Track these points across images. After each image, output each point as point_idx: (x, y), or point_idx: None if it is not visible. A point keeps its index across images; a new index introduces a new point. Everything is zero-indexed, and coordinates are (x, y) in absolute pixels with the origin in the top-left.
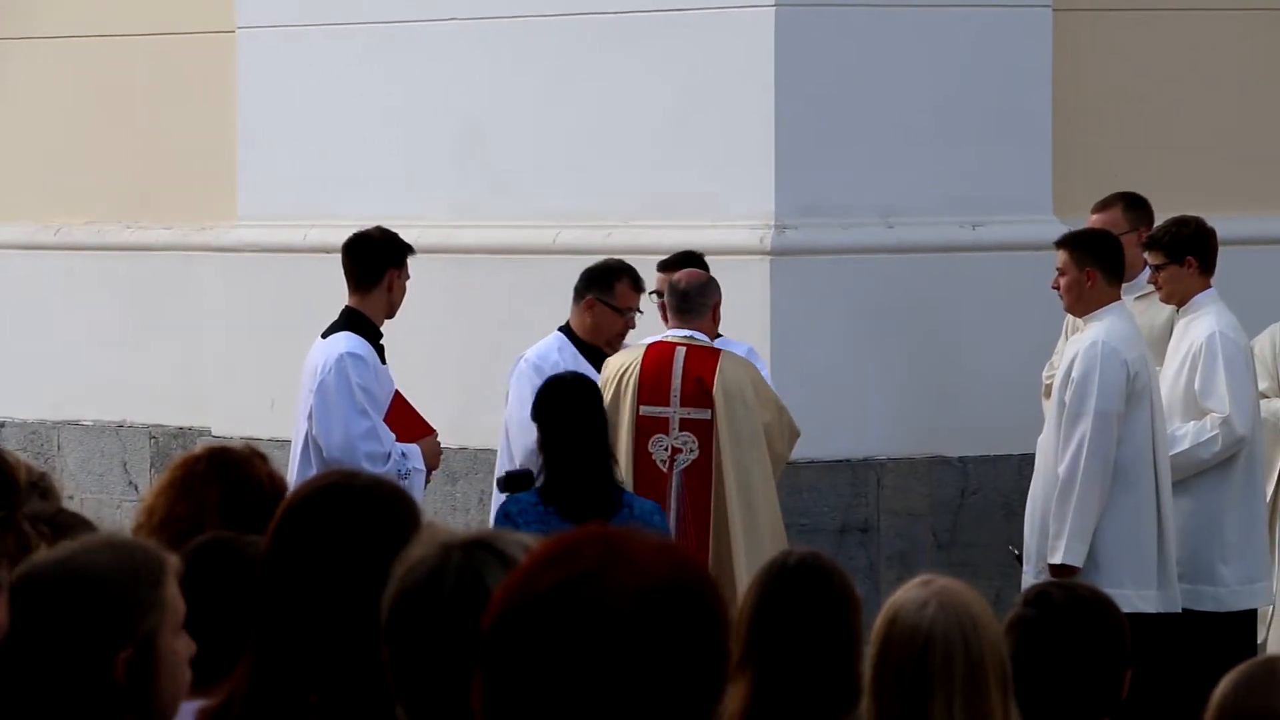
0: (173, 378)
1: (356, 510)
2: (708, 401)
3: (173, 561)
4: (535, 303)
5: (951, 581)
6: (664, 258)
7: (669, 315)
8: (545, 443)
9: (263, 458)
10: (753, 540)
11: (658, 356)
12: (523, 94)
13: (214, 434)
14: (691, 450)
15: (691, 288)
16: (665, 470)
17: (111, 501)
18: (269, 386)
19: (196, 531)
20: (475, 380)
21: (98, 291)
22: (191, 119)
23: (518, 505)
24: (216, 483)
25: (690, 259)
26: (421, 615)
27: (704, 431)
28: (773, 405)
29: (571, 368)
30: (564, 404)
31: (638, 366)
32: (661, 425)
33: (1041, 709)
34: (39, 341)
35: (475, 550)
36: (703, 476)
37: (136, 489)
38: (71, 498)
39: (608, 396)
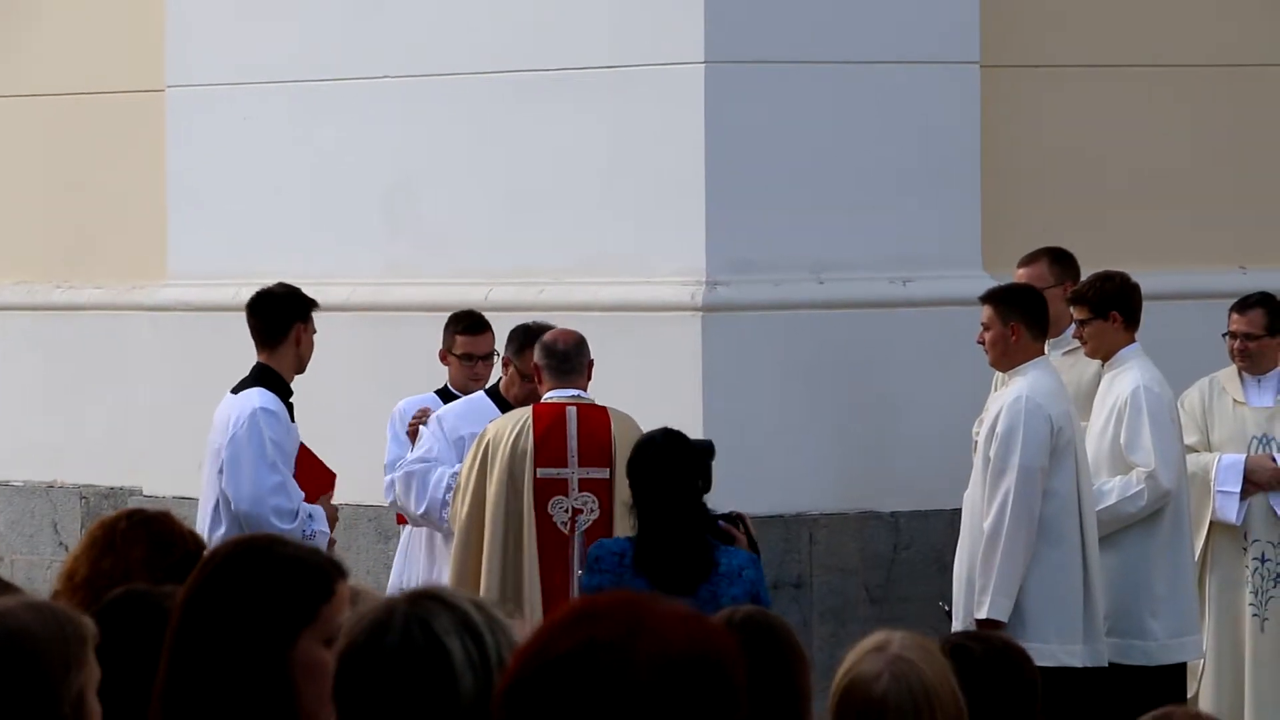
0: (104, 437)
1: (277, 572)
2: (605, 460)
3: (90, 627)
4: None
5: (906, 644)
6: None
7: (546, 376)
8: (636, 501)
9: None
10: None
11: (548, 417)
12: (453, 151)
13: (145, 493)
14: (592, 510)
15: (570, 347)
16: (567, 532)
17: (42, 562)
18: (201, 445)
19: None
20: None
21: (28, 351)
22: (121, 178)
23: (601, 550)
24: (140, 540)
25: (534, 333)
26: (369, 668)
27: (603, 490)
28: None
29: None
30: (655, 463)
31: (529, 429)
32: (560, 487)
33: None
34: None
35: (421, 600)
36: (605, 535)
37: (67, 549)
38: (1, 559)
39: (492, 460)
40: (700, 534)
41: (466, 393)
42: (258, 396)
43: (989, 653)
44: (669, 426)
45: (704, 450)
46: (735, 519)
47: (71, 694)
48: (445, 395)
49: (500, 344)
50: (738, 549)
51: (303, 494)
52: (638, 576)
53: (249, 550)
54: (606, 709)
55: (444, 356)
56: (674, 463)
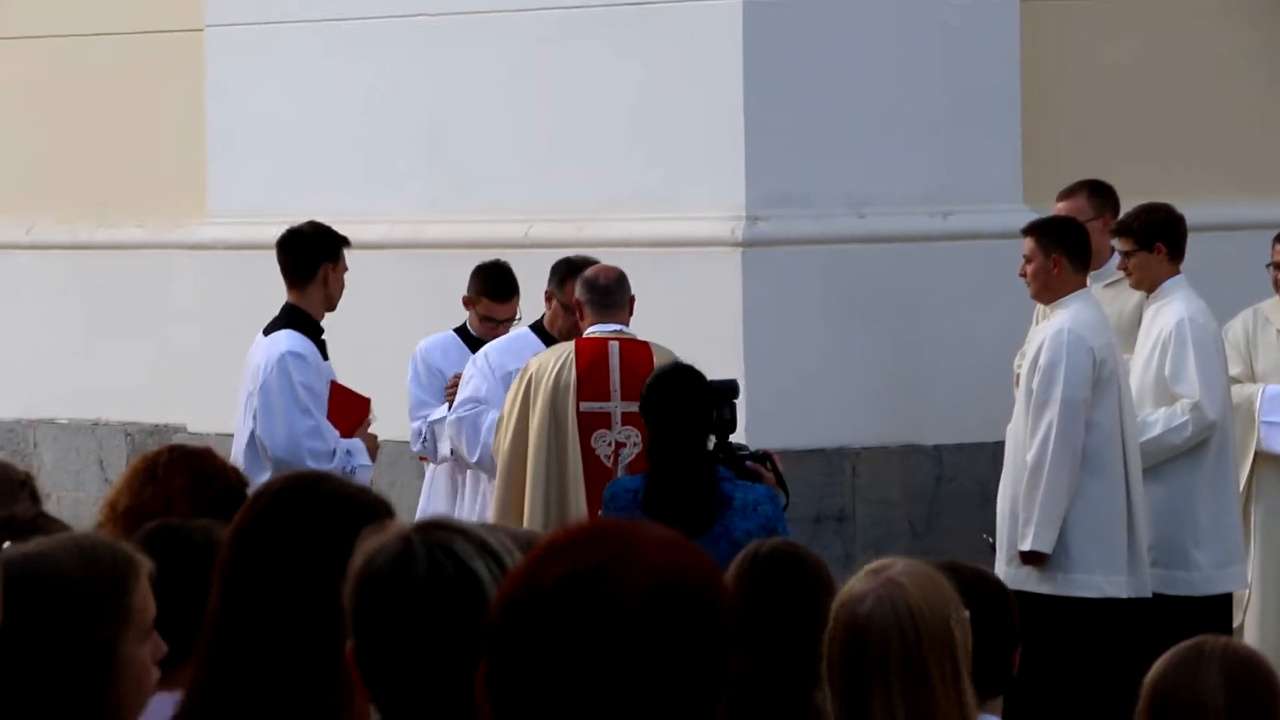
0: (146, 375)
1: (325, 509)
2: None
3: (144, 564)
4: None
5: (904, 569)
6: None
7: (588, 311)
8: (650, 435)
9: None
10: None
11: (590, 352)
12: (491, 88)
13: (189, 431)
14: (635, 444)
15: (611, 282)
16: (611, 465)
17: (88, 499)
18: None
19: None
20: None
21: (70, 290)
22: (161, 117)
23: (616, 488)
24: (181, 472)
25: (576, 266)
26: (399, 600)
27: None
28: None
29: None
30: (667, 397)
31: (572, 363)
32: (603, 420)
33: None
34: (13, 341)
35: (433, 529)
36: (647, 469)
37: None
38: (49, 496)
39: (535, 393)
40: (711, 469)
41: (487, 340)
42: (285, 340)
43: (957, 582)
44: (681, 361)
45: (726, 390)
46: (763, 458)
47: (98, 643)
48: (465, 335)
49: (539, 291)
50: (756, 484)
51: (337, 433)
52: (648, 513)
53: (297, 487)
54: (594, 637)
55: (467, 303)
56: (686, 397)
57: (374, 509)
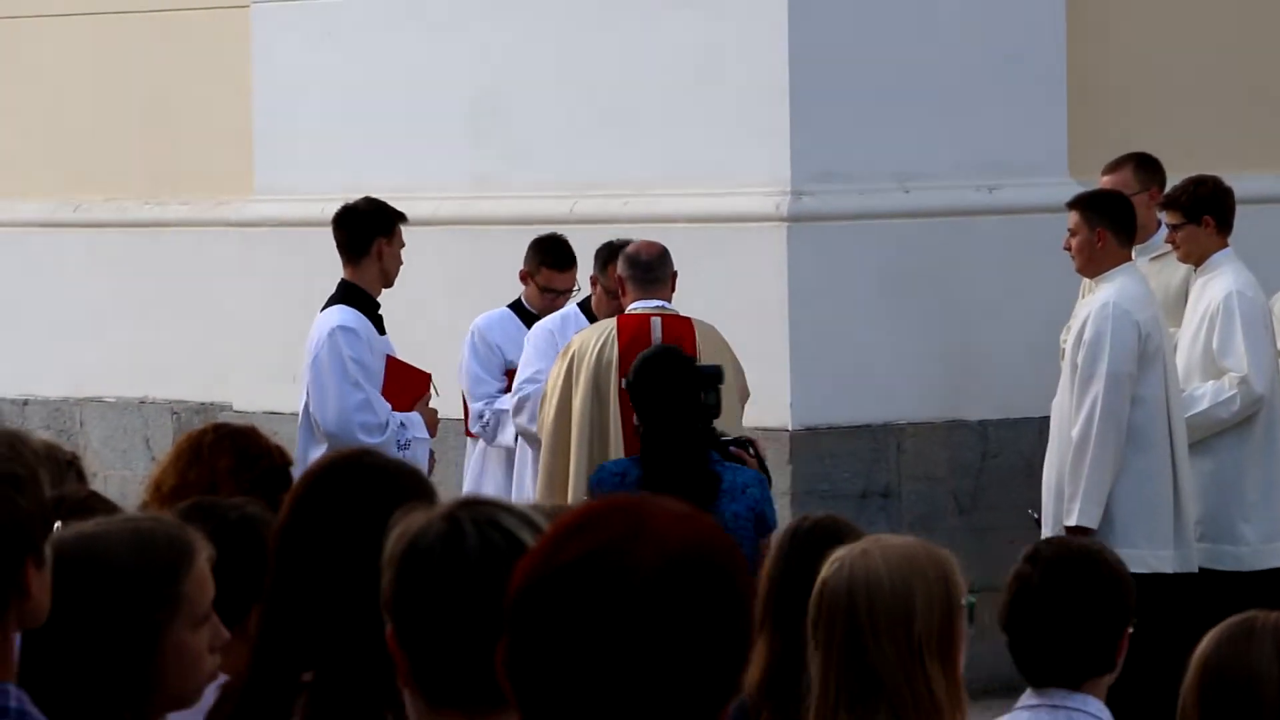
0: (193, 353)
1: (374, 486)
2: None
3: (201, 549)
4: None
5: (886, 543)
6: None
7: (630, 288)
8: (640, 418)
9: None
10: None
11: (633, 329)
12: (537, 64)
13: (235, 409)
14: None
15: (653, 258)
16: None
17: (135, 478)
18: (289, 360)
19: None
20: None
21: (117, 268)
22: (207, 94)
23: (603, 472)
24: (226, 451)
25: (618, 250)
26: (454, 575)
27: None
28: (738, 368)
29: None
30: (655, 379)
31: (614, 340)
32: None
33: (1034, 667)
34: (60, 319)
35: (476, 505)
36: None
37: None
38: (95, 475)
39: (577, 371)
40: (702, 450)
41: (545, 315)
42: (336, 314)
43: (1063, 556)
44: (669, 344)
45: (711, 375)
46: (745, 443)
47: (144, 628)
48: (519, 311)
49: (584, 270)
50: (743, 468)
51: (389, 406)
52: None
53: (338, 465)
54: (611, 614)
55: (524, 277)
56: (674, 379)
57: (414, 486)
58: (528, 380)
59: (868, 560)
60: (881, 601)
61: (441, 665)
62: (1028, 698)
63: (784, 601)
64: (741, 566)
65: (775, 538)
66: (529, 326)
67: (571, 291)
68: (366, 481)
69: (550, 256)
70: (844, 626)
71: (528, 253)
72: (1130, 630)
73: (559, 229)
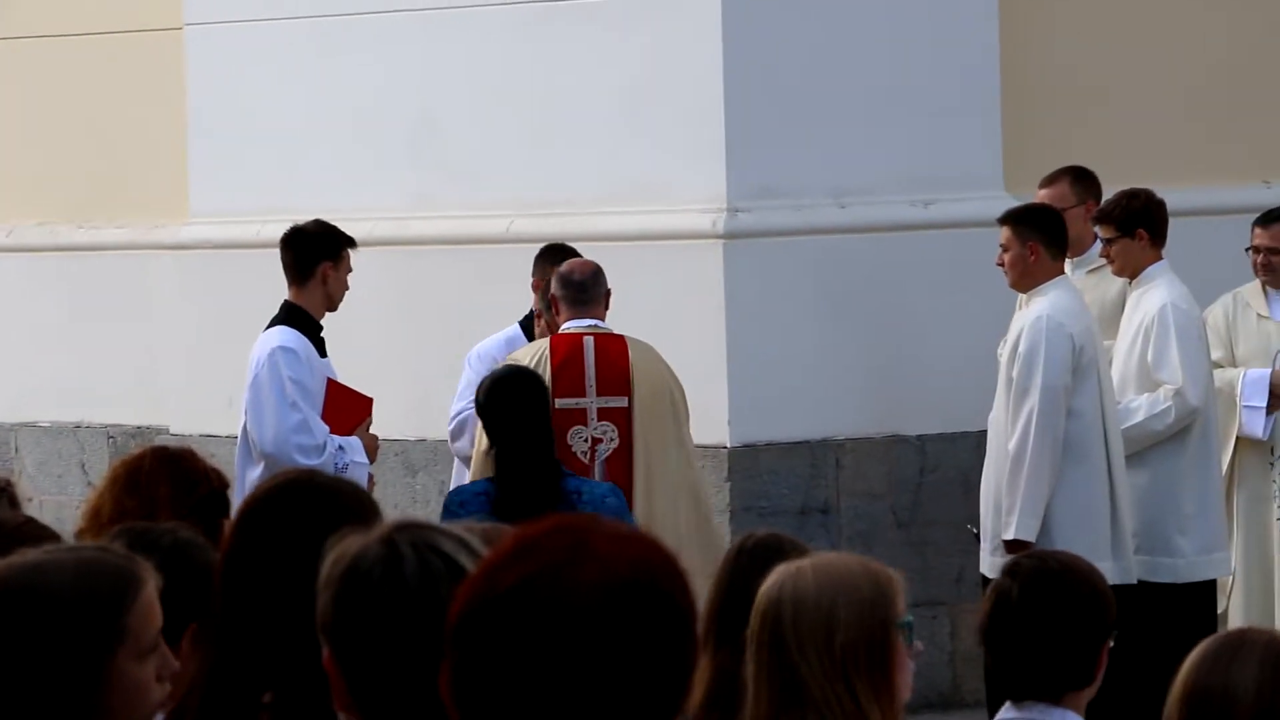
0: (129, 377)
1: (320, 506)
2: (624, 388)
3: (149, 580)
4: (490, 292)
5: (820, 562)
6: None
7: (563, 307)
8: (491, 439)
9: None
10: (673, 524)
11: (566, 348)
12: (473, 84)
13: (172, 432)
14: (612, 439)
15: (587, 277)
16: (587, 461)
17: (70, 502)
18: (226, 384)
19: None
20: (432, 371)
21: (52, 292)
22: (142, 117)
23: (461, 497)
24: (164, 478)
25: (564, 252)
26: (390, 602)
27: (622, 419)
28: (678, 386)
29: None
30: (504, 398)
31: (547, 360)
32: (579, 417)
33: (1014, 681)
34: None
35: (412, 529)
36: (625, 464)
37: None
38: (31, 500)
39: None
40: (556, 467)
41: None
42: (277, 335)
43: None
44: (518, 364)
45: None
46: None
47: (87, 660)
48: (528, 324)
49: (512, 293)
50: (596, 481)
51: (327, 429)
52: (498, 516)
53: (286, 486)
54: (554, 637)
55: (537, 286)
56: (525, 399)
57: (360, 506)
58: (468, 405)
59: (798, 575)
60: (805, 616)
61: (378, 688)
62: (1007, 711)
63: (728, 620)
64: (685, 587)
65: (723, 556)
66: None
67: None
68: (313, 502)
69: (563, 255)
70: (771, 640)
71: (536, 263)
72: (1110, 644)
73: (496, 248)
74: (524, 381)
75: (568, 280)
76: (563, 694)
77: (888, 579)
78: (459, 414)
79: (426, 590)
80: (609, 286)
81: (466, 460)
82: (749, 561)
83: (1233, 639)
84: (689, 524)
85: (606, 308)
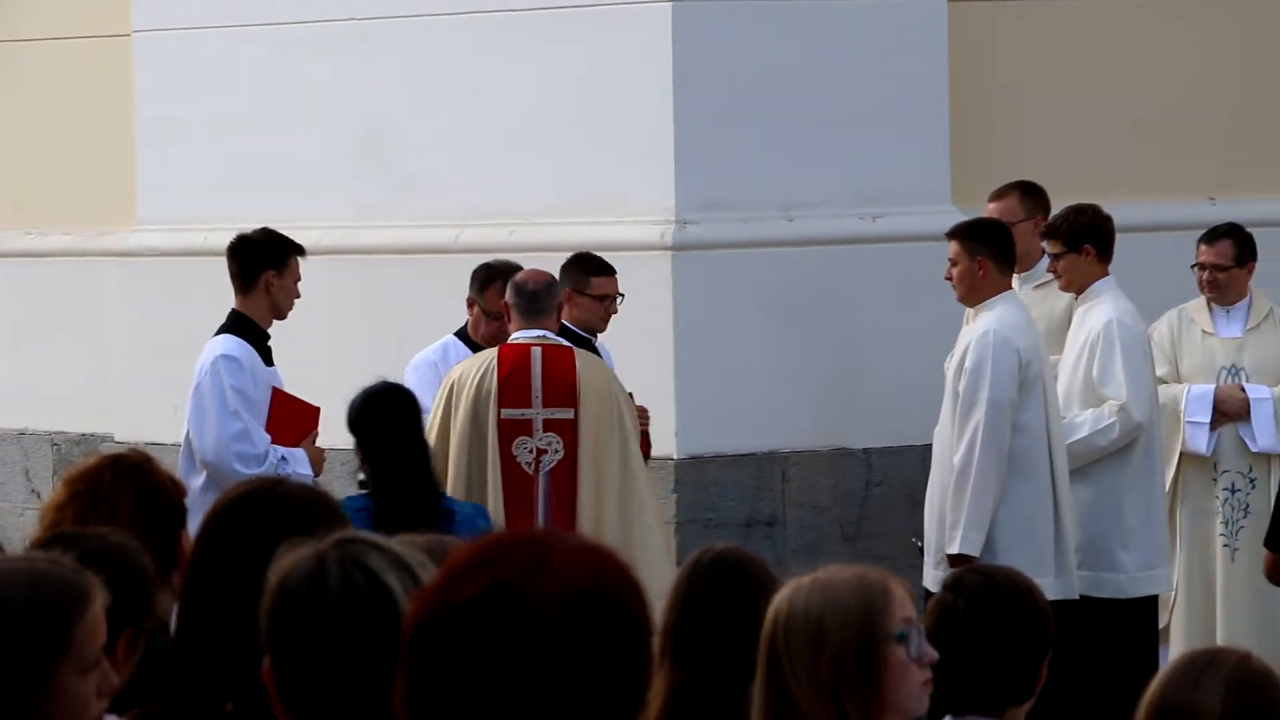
0: (74, 384)
1: (286, 515)
2: (570, 400)
3: (97, 595)
4: (438, 302)
5: (823, 575)
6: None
7: (514, 316)
8: (365, 456)
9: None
10: (627, 538)
11: (513, 358)
12: (423, 94)
13: (117, 440)
14: (557, 451)
15: (540, 288)
16: (531, 473)
17: (14, 510)
18: (172, 391)
19: None
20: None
21: None
22: (89, 123)
23: (352, 505)
24: (125, 491)
25: (495, 270)
26: (314, 617)
27: (568, 431)
28: (627, 400)
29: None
30: (379, 415)
31: (495, 370)
32: (524, 427)
33: (955, 695)
34: None
35: (347, 544)
36: (569, 476)
37: (39, 497)
38: None
39: (457, 401)
40: (433, 483)
41: (589, 331)
42: (221, 344)
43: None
44: (387, 379)
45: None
46: None
47: (29, 673)
48: (567, 335)
49: (457, 304)
50: (462, 501)
51: (269, 438)
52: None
53: (252, 494)
54: (510, 650)
55: (569, 295)
56: (398, 416)
57: (326, 513)
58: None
59: (795, 590)
60: (795, 630)
61: (311, 701)
62: None
63: (686, 634)
64: (641, 600)
65: (679, 570)
66: (579, 346)
67: (617, 296)
68: (278, 511)
69: (593, 264)
70: (767, 655)
71: (564, 274)
72: (1048, 659)
73: (444, 259)
74: (395, 398)
75: (521, 290)
76: (518, 706)
77: (882, 590)
78: None
79: (347, 607)
80: (561, 299)
81: None
82: (708, 577)
83: (1203, 657)
84: (639, 538)
85: (559, 319)
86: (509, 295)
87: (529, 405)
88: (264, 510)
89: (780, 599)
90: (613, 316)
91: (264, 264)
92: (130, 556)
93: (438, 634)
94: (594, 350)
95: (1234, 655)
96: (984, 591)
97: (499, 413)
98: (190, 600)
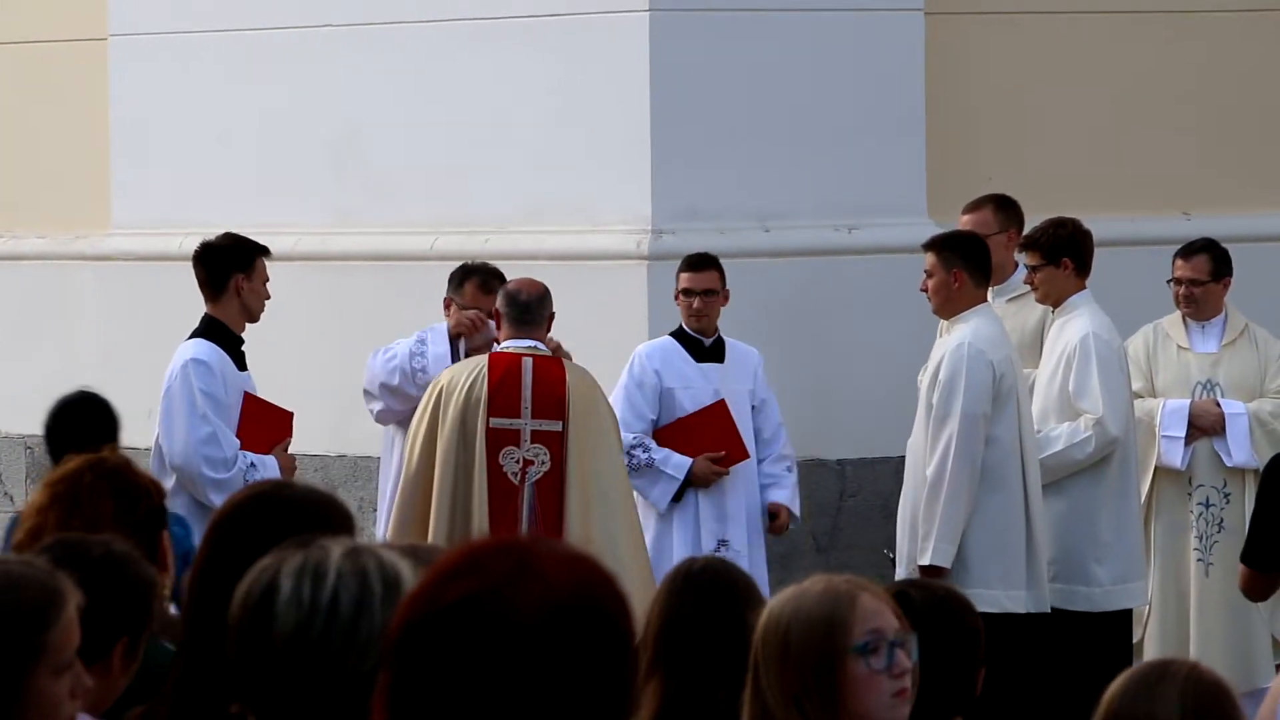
0: (48, 387)
1: (288, 519)
2: (559, 413)
3: (71, 597)
4: (412, 309)
5: (807, 584)
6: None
7: (505, 325)
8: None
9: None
10: (610, 552)
11: (503, 367)
12: (398, 100)
13: None
14: (543, 462)
15: (532, 299)
16: (517, 483)
17: None
18: (146, 396)
19: None
20: (353, 387)
21: None
22: (64, 127)
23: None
24: (106, 494)
25: (470, 270)
26: (255, 626)
27: (555, 443)
28: (613, 416)
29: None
30: (74, 426)
31: (484, 378)
32: (512, 437)
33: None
34: None
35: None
36: (555, 488)
37: (12, 500)
38: None
39: (445, 407)
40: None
41: (693, 326)
42: (191, 348)
43: (929, 601)
44: (86, 390)
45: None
46: None
47: (7, 676)
48: (682, 339)
49: (432, 311)
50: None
51: (238, 443)
52: None
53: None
54: (493, 657)
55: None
56: (92, 424)
57: (332, 516)
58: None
59: (776, 599)
60: (768, 641)
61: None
62: None
63: (674, 644)
64: (626, 609)
65: (663, 581)
66: (692, 354)
67: (712, 293)
68: (284, 515)
69: (684, 261)
70: (751, 663)
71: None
72: (981, 671)
73: (420, 265)
74: (90, 406)
75: (514, 299)
76: (501, 712)
77: (849, 601)
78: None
79: (298, 623)
80: (553, 310)
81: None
82: (695, 587)
83: (1155, 669)
84: (626, 552)
85: (549, 330)
86: (500, 303)
87: (518, 415)
88: (270, 514)
89: (768, 607)
90: (571, 327)
91: (231, 268)
92: (132, 565)
93: (422, 636)
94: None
95: (1185, 666)
96: (928, 606)
97: (488, 421)
98: (196, 604)
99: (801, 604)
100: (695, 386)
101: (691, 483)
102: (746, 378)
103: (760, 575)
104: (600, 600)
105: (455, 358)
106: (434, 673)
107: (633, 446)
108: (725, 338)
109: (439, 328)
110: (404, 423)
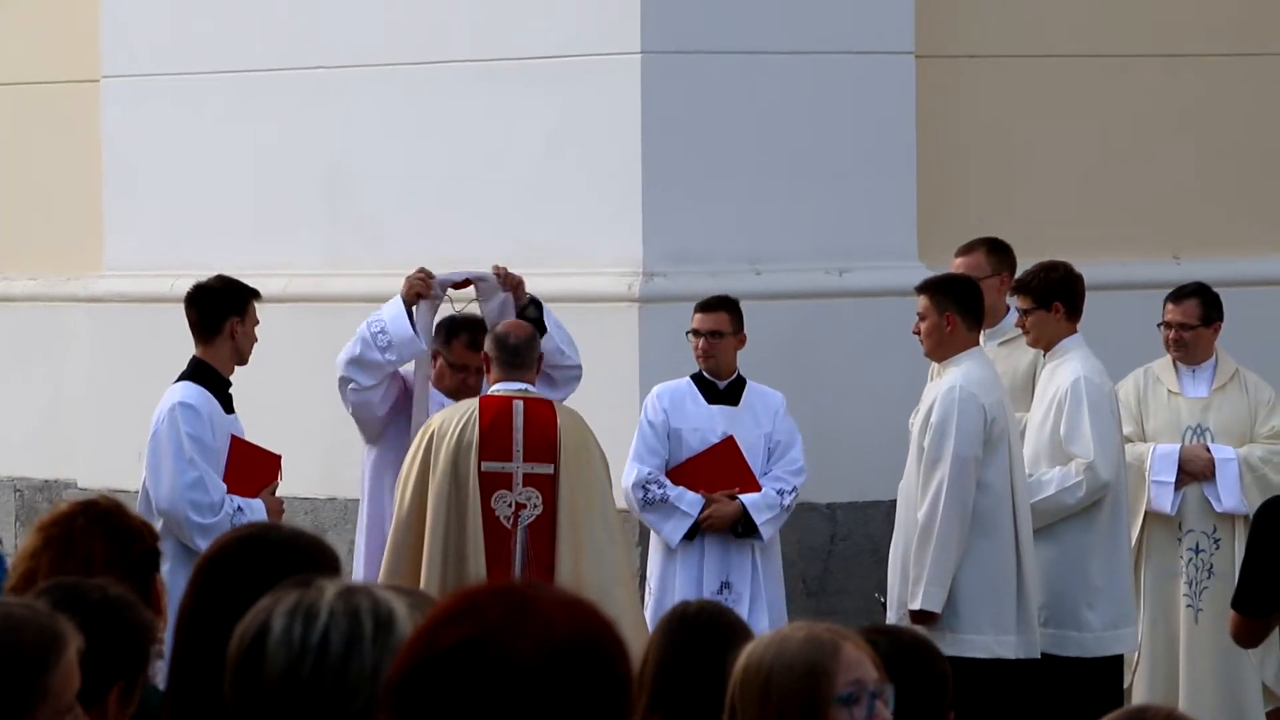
0: (39, 429)
1: (275, 562)
2: (550, 455)
3: (71, 640)
4: None
5: (789, 631)
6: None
7: (495, 368)
8: None
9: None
10: (601, 594)
11: (494, 410)
12: (391, 143)
13: (80, 486)
14: (536, 506)
15: (521, 342)
16: (510, 527)
17: None
18: (136, 437)
19: None
20: (345, 430)
21: None
22: (57, 169)
23: None
24: (99, 537)
25: (458, 324)
26: (246, 669)
27: (547, 486)
28: (603, 457)
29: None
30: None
31: (476, 421)
32: (504, 481)
33: None
34: None
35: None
36: (547, 532)
37: (1, 542)
38: None
39: (437, 451)
40: None
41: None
42: (179, 391)
43: (897, 647)
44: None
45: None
46: None
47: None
48: (699, 382)
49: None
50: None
51: (224, 488)
52: None
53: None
54: (492, 700)
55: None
56: None
57: (319, 557)
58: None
59: (756, 645)
60: (747, 685)
61: None
62: None
63: (669, 687)
64: (623, 652)
65: (658, 623)
66: (705, 395)
67: (721, 335)
68: (270, 557)
69: (698, 303)
70: (726, 705)
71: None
72: (949, 715)
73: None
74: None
75: (503, 343)
76: None
77: (831, 651)
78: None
79: (288, 663)
80: (542, 352)
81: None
82: (691, 630)
83: (1131, 715)
84: (615, 595)
85: (539, 373)
86: (489, 346)
87: (509, 459)
88: (256, 557)
89: (744, 651)
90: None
91: (227, 311)
92: (129, 609)
93: (420, 680)
94: None
95: (1161, 712)
96: (899, 654)
97: (479, 465)
98: (182, 647)
99: (785, 650)
100: (703, 428)
101: (710, 526)
102: (763, 421)
103: (761, 620)
104: (598, 643)
105: (412, 322)
106: (434, 717)
107: (648, 481)
108: (749, 380)
109: (391, 300)
110: (388, 465)
